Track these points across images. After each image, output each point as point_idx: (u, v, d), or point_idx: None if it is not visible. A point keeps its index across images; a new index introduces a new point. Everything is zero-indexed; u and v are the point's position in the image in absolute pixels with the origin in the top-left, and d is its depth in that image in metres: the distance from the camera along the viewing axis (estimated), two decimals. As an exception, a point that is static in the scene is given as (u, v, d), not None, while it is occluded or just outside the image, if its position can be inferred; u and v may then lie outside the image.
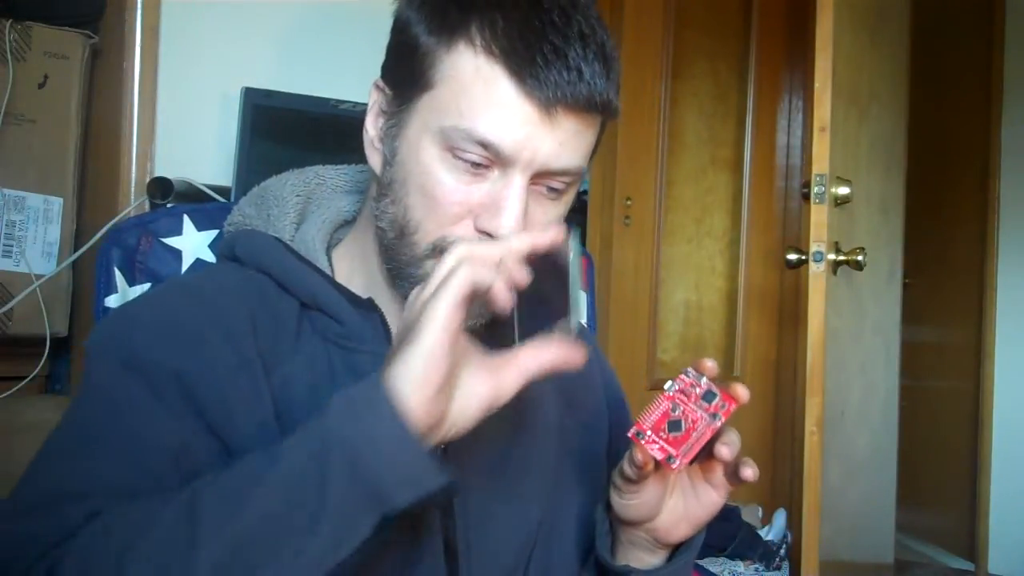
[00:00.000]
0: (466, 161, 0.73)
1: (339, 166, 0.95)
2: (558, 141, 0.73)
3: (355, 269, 0.84)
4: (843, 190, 1.81)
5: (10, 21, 1.46)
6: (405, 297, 0.76)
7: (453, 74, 0.72)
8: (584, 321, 1.30)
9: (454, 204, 0.74)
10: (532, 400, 0.86)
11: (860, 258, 1.82)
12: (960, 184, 3.25)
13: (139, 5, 1.49)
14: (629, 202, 2.55)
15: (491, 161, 0.73)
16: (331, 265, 0.85)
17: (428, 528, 0.76)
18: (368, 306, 0.80)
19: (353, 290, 0.82)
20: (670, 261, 2.72)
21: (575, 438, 0.90)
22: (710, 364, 0.77)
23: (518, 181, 0.73)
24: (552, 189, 0.76)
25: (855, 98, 1.93)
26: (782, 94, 2.97)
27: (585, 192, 2.77)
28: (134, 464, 0.68)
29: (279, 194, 0.89)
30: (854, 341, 2.01)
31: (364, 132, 0.80)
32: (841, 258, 1.81)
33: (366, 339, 0.79)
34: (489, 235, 0.74)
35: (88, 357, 0.75)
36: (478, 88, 0.71)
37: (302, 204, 0.89)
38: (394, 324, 0.81)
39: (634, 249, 2.57)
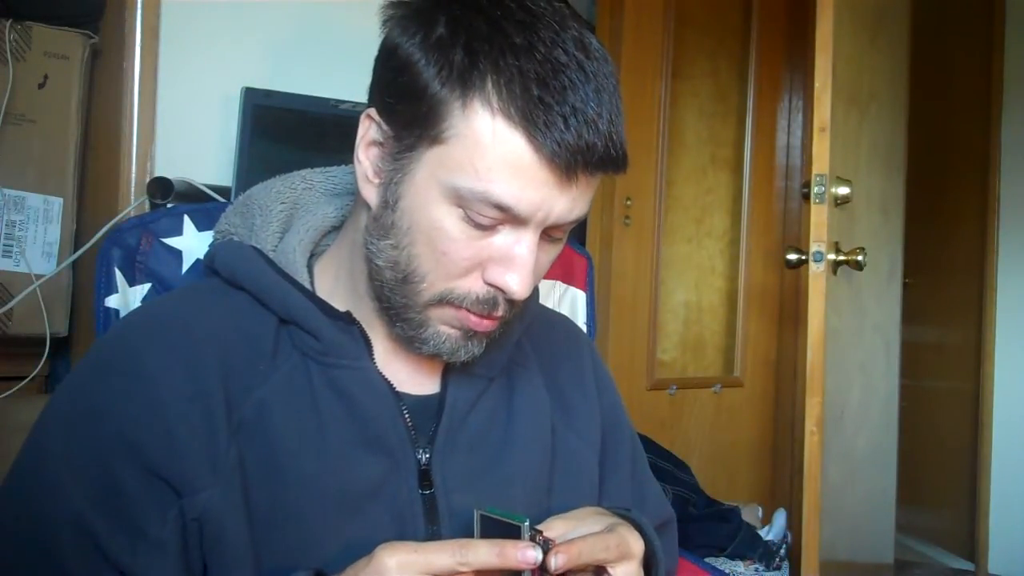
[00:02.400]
0: (478, 222, 0.72)
1: (327, 168, 0.93)
2: (572, 198, 0.72)
3: (340, 279, 0.83)
4: (843, 190, 1.81)
5: (10, 21, 1.46)
6: (403, 336, 0.78)
7: (468, 133, 0.70)
8: (584, 321, 1.30)
9: (464, 259, 0.73)
10: (524, 406, 0.86)
11: (860, 258, 1.82)
12: (960, 184, 3.25)
13: (139, 5, 1.49)
14: (629, 202, 2.55)
15: (504, 220, 0.72)
16: (311, 277, 0.84)
17: (415, 535, 0.76)
18: (346, 319, 0.79)
19: (337, 302, 0.81)
20: (670, 261, 2.72)
21: (568, 444, 0.89)
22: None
23: (529, 239, 0.73)
24: (555, 235, 0.76)
25: (855, 98, 1.93)
26: (782, 94, 2.97)
27: (585, 192, 2.77)
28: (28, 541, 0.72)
29: (263, 202, 0.88)
30: (854, 341, 2.01)
31: (356, 162, 0.78)
32: (841, 258, 1.81)
33: (345, 353, 0.78)
34: (498, 288, 0.74)
35: (57, 400, 0.77)
36: (495, 152, 0.70)
37: (287, 212, 0.88)
38: (375, 337, 0.81)
39: (634, 249, 2.57)
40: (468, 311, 0.76)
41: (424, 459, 0.79)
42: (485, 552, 0.66)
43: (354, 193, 0.85)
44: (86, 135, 1.55)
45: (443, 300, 0.75)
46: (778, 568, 2.37)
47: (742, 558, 2.33)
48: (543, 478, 0.86)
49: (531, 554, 0.66)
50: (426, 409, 0.82)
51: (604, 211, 2.54)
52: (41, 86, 1.49)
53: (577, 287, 1.31)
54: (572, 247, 1.32)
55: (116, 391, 0.74)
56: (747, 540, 2.37)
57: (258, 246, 0.84)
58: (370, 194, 0.77)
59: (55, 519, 0.71)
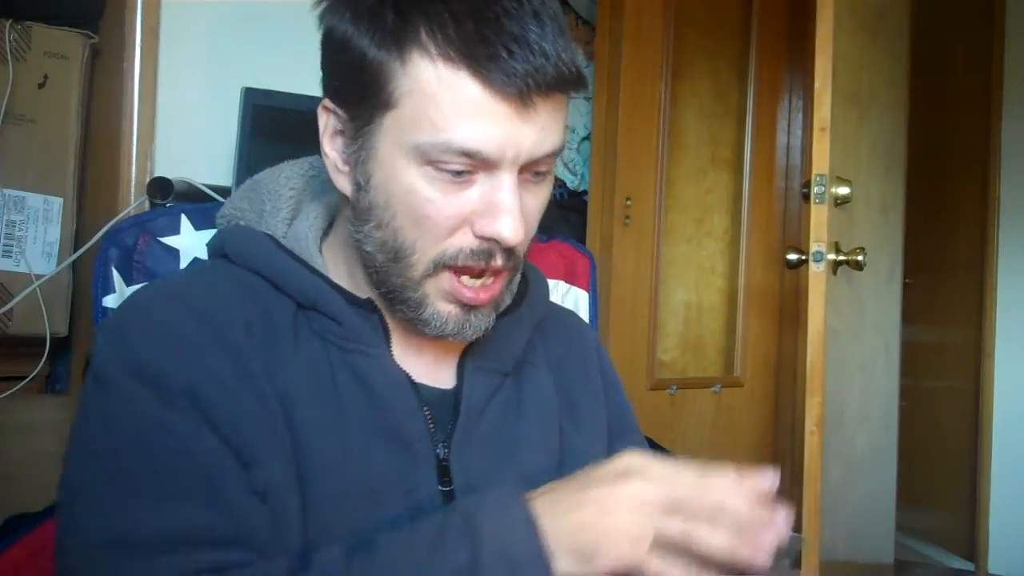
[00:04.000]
0: (449, 172, 0.70)
1: None
2: (538, 129, 0.71)
3: (348, 268, 0.81)
4: (843, 190, 1.81)
5: (10, 21, 1.46)
6: (405, 318, 0.77)
7: (415, 87, 0.69)
8: (586, 319, 1.30)
9: (448, 218, 0.72)
10: (533, 405, 0.85)
11: (860, 258, 1.82)
12: (960, 184, 3.25)
13: (139, 5, 1.49)
14: (629, 202, 2.55)
15: (475, 166, 0.71)
16: (324, 263, 0.82)
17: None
18: (367, 307, 0.78)
19: (348, 288, 0.80)
20: (670, 261, 2.72)
21: (574, 445, 0.88)
22: None
23: (507, 180, 0.71)
24: (537, 173, 0.74)
25: (855, 98, 1.93)
26: (782, 94, 2.97)
27: (585, 192, 2.78)
28: (208, 500, 0.67)
29: (273, 188, 0.86)
30: (854, 341, 2.00)
31: (323, 156, 0.77)
32: (841, 258, 1.81)
33: (365, 340, 0.77)
34: (492, 240, 0.72)
35: (98, 379, 0.72)
36: (446, 98, 0.68)
37: (296, 198, 0.86)
38: (393, 329, 0.79)
39: (634, 249, 2.57)
40: (463, 285, 0.74)
41: (443, 454, 0.77)
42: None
43: None
44: (86, 135, 1.55)
45: (437, 266, 0.73)
46: (778, 568, 2.37)
47: (742, 558, 2.33)
48: (550, 479, 0.84)
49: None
50: (442, 403, 0.80)
51: (604, 211, 2.54)
52: (41, 86, 1.49)
53: (580, 287, 1.31)
54: (575, 247, 1.32)
55: (164, 352, 0.70)
56: (747, 540, 2.36)
57: (269, 231, 0.83)
58: (344, 184, 0.76)
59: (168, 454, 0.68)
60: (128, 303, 0.77)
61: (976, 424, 3.11)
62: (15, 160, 1.48)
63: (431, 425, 0.78)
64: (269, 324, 0.75)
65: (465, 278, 0.75)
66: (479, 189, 0.72)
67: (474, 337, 0.78)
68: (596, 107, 2.67)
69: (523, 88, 0.68)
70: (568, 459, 0.86)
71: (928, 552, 3.26)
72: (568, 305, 1.29)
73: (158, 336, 0.71)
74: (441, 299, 0.75)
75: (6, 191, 1.47)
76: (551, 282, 1.26)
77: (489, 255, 0.74)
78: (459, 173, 0.70)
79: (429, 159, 0.70)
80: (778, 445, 2.93)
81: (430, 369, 0.81)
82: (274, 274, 0.78)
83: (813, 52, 1.74)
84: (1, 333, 1.47)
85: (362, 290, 0.79)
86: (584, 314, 1.30)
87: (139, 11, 1.49)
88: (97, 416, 0.71)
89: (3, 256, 1.47)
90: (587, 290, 1.30)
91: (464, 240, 0.73)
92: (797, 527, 2.15)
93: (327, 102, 0.75)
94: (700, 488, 0.65)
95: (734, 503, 0.65)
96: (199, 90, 1.55)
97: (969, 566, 3.12)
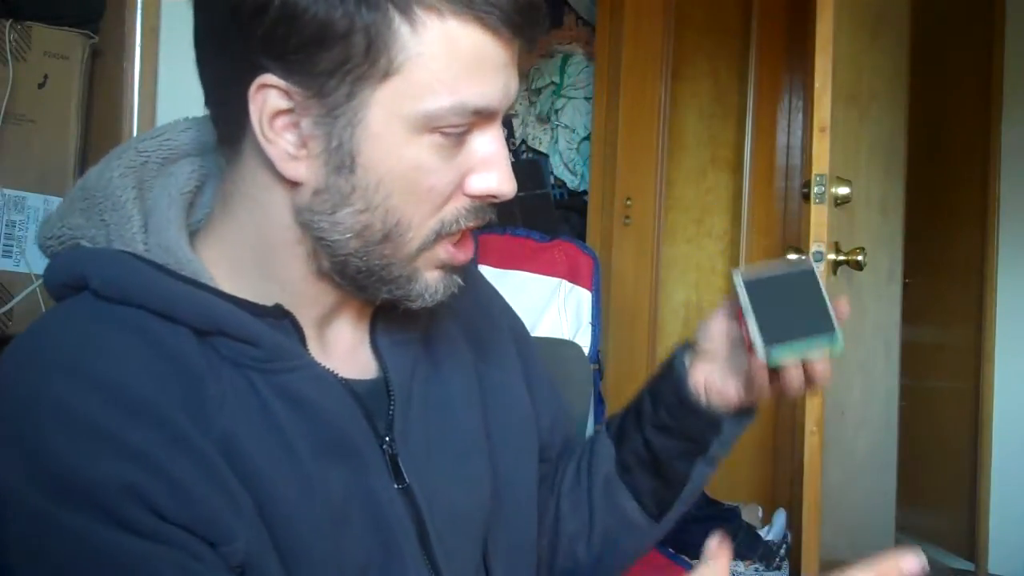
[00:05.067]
0: (455, 135, 0.65)
1: (154, 132, 0.77)
2: (514, 69, 0.67)
3: (242, 268, 0.70)
4: (843, 190, 1.81)
5: (10, 21, 1.46)
6: (391, 296, 0.70)
7: (423, 49, 0.62)
8: (588, 320, 1.30)
9: (448, 184, 0.66)
10: (446, 357, 0.80)
11: (860, 258, 1.82)
12: (960, 184, 3.25)
13: (139, 5, 1.49)
14: (629, 202, 2.55)
15: (476, 122, 0.66)
16: (205, 268, 0.70)
17: (405, 539, 0.71)
18: (277, 314, 0.69)
19: (246, 293, 0.69)
20: (670, 261, 2.72)
21: (492, 379, 0.84)
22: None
23: (497, 131, 0.68)
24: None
25: (855, 98, 1.93)
26: (782, 94, 2.97)
27: (585, 192, 2.78)
28: None
29: (109, 192, 0.71)
30: (854, 341, 2.00)
31: (264, 143, 0.64)
32: (841, 258, 1.81)
33: (287, 354, 0.68)
34: (486, 196, 0.68)
35: (5, 504, 0.60)
36: (456, 56, 0.62)
37: (139, 198, 0.71)
38: (306, 324, 0.71)
39: (634, 249, 2.57)
40: (457, 249, 0.70)
41: (389, 450, 0.72)
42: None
43: (197, 153, 0.74)
44: (86, 135, 1.55)
45: (438, 236, 0.68)
46: (778, 568, 2.37)
47: (742, 558, 2.33)
48: (480, 428, 0.80)
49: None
50: (374, 394, 0.74)
51: (604, 211, 2.54)
52: (41, 86, 1.49)
53: (583, 286, 1.31)
54: (579, 246, 1.32)
55: (82, 450, 0.59)
56: (747, 540, 2.37)
57: (125, 247, 0.69)
58: (300, 170, 0.65)
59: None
60: (13, 387, 0.62)
61: (976, 424, 3.11)
62: (15, 160, 1.48)
63: (371, 422, 0.72)
64: (177, 367, 0.64)
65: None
66: (471, 145, 0.67)
67: (445, 296, 0.72)
68: (596, 107, 2.67)
69: (516, 29, 0.64)
70: (490, 398, 0.82)
71: (928, 552, 3.26)
72: (570, 304, 1.29)
73: (68, 430, 0.59)
74: (430, 268, 0.70)
75: (6, 191, 1.47)
76: (554, 281, 1.26)
77: (484, 211, 0.70)
78: (462, 134, 0.65)
79: (436, 125, 0.64)
80: (778, 445, 2.93)
81: (349, 357, 0.74)
82: (163, 305, 0.65)
83: (813, 52, 1.74)
84: (1, 333, 1.47)
85: (256, 289, 0.69)
86: (586, 313, 1.30)
87: (139, 11, 1.49)
88: (21, 556, 0.59)
89: (3, 256, 1.47)
90: (590, 289, 1.30)
91: (458, 203, 0.68)
92: (797, 527, 2.15)
93: (268, 79, 0.62)
94: None
95: None
96: (199, 90, 1.55)
97: (969, 566, 3.12)
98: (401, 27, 0.61)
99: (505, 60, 0.65)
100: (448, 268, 0.71)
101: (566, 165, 2.90)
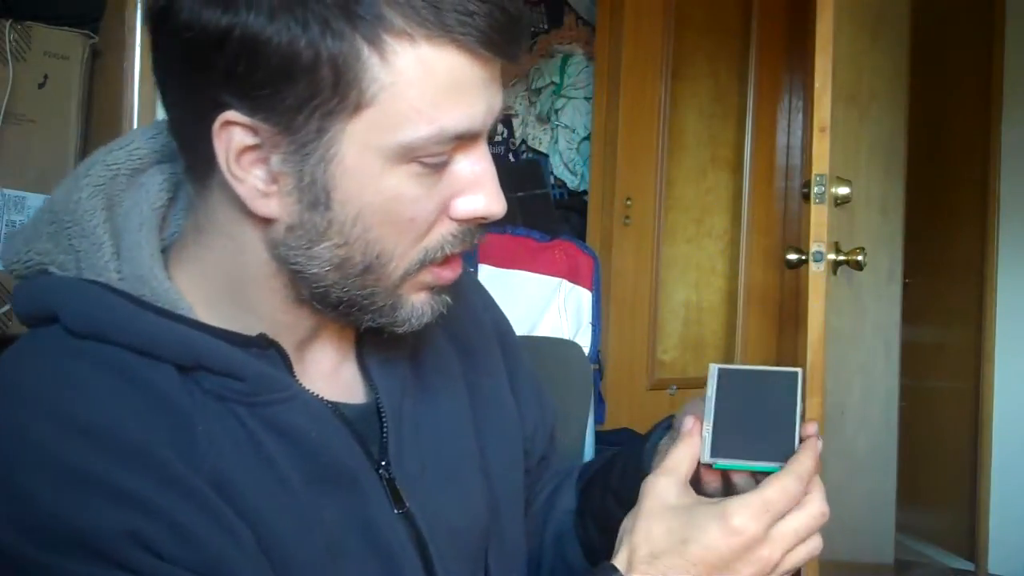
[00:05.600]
0: (436, 163, 0.62)
1: (122, 141, 0.73)
2: (499, 84, 0.64)
3: (218, 297, 0.67)
4: (843, 190, 1.81)
5: (10, 21, 1.46)
6: (374, 324, 0.68)
7: (396, 78, 0.59)
8: (588, 320, 1.30)
9: (431, 213, 0.64)
10: (433, 369, 0.79)
11: (860, 258, 1.82)
12: (960, 184, 3.25)
13: (139, 5, 1.49)
14: (629, 202, 2.55)
15: (458, 147, 0.63)
16: (182, 297, 0.67)
17: (407, 554, 0.70)
18: (261, 344, 0.67)
19: (224, 323, 0.66)
20: (670, 261, 2.72)
21: (482, 388, 0.82)
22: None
23: (484, 150, 0.65)
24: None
25: (855, 98, 1.93)
26: (782, 94, 2.97)
27: (585, 192, 2.78)
28: None
29: (78, 216, 0.67)
30: (854, 341, 2.00)
31: (232, 182, 0.61)
32: (841, 258, 1.81)
33: (273, 385, 0.65)
34: (477, 220, 0.66)
35: None
36: (433, 82, 0.59)
37: (109, 221, 0.67)
38: (288, 349, 0.68)
39: (634, 249, 2.57)
40: (442, 269, 0.67)
41: (386, 475, 0.71)
42: (810, 460, 0.67)
43: (168, 159, 0.71)
44: (86, 135, 1.56)
45: (422, 264, 0.65)
46: (778, 568, 2.37)
47: (742, 558, 2.33)
48: (472, 439, 0.79)
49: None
50: (365, 417, 0.72)
51: (604, 211, 2.54)
52: (41, 86, 1.49)
53: (583, 286, 1.31)
54: (579, 246, 1.32)
55: (75, 499, 0.56)
56: (747, 540, 2.36)
57: (96, 278, 0.65)
58: (272, 207, 0.62)
59: None
60: None
61: (976, 424, 3.11)
62: (15, 160, 1.48)
63: (365, 448, 0.70)
64: (162, 406, 0.61)
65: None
66: (455, 168, 0.64)
67: (434, 317, 0.70)
68: (596, 107, 2.67)
69: (495, 49, 0.61)
70: (481, 411, 0.81)
71: (928, 552, 3.26)
72: (571, 304, 1.29)
73: (58, 480, 0.57)
74: (415, 291, 0.67)
75: (6, 191, 1.47)
76: (554, 280, 1.26)
77: (472, 234, 0.67)
78: (444, 161, 0.63)
79: (415, 155, 0.61)
80: (778, 445, 2.93)
81: (336, 378, 0.73)
82: (142, 343, 0.62)
83: (813, 52, 1.74)
84: (1, 333, 1.46)
85: (235, 317, 0.67)
86: (587, 313, 1.30)
87: (139, 11, 1.49)
88: None
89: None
90: (590, 289, 1.30)
91: (444, 229, 0.65)
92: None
93: (232, 115, 0.59)
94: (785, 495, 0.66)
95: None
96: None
97: (969, 566, 3.12)
98: (371, 58, 0.58)
99: (486, 79, 0.62)
100: (435, 289, 0.68)
101: (566, 165, 2.90)
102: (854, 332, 2.01)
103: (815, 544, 0.67)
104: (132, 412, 0.60)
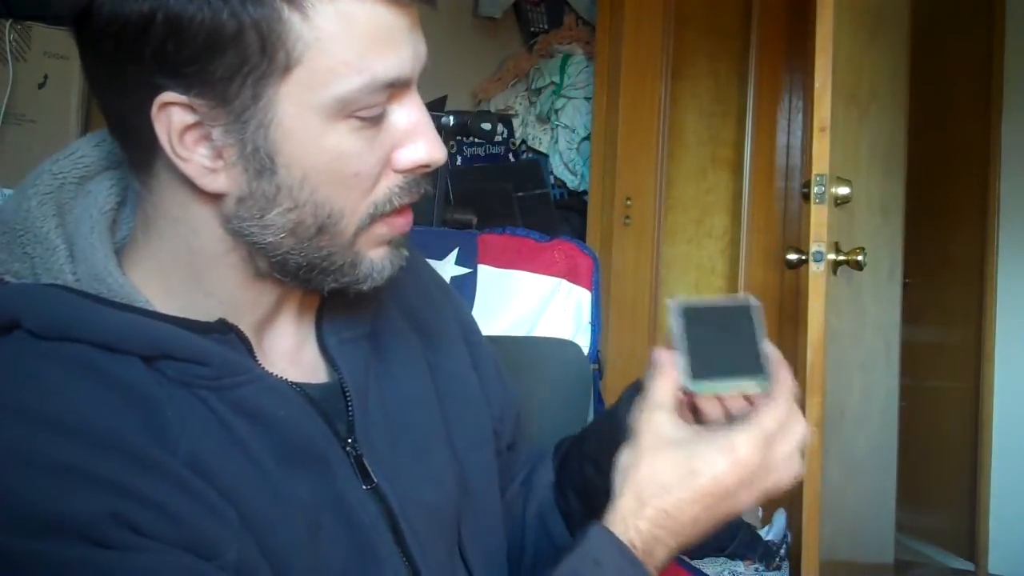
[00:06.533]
0: (372, 115, 0.64)
1: (68, 150, 0.75)
2: (420, 31, 0.66)
3: (174, 284, 0.69)
4: (843, 190, 1.81)
5: (10, 21, 1.46)
6: (337, 285, 0.69)
7: (319, 35, 0.60)
8: (588, 320, 1.30)
9: (374, 166, 0.66)
10: (394, 341, 0.80)
11: (860, 258, 1.82)
12: (960, 184, 3.25)
13: (139, 5, 1.49)
14: (629, 202, 2.55)
15: (391, 96, 0.65)
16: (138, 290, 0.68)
17: (378, 529, 0.71)
18: (221, 328, 0.68)
19: (183, 311, 0.68)
20: (670, 261, 2.72)
21: (445, 371, 0.84)
22: None
23: (416, 98, 0.66)
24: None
25: (855, 98, 1.93)
26: (782, 94, 2.97)
27: (585, 192, 2.78)
28: None
29: (29, 223, 0.68)
30: (854, 341, 2.00)
31: (178, 163, 0.63)
32: (841, 258, 1.81)
33: (236, 368, 0.67)
34: (419, 167, 0.67)
35: None
36: (357, 32, 0.61)
37: (60, 224, 0.69)
38: (248, 332, 0.69)
39: (634, 249, 2.57)
40: (395, 218, 0.69)
41: (354, 452, 0.72)
42: (788, 381, 0.72)
43: (114, 166, 0.73)
44: (86, 135, 1.56)
45: (372, 218, 0.67)
46: (778, 568, 2.37)
47: (742, 558, 2.33)
48: (436, 420, 0.80)
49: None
50: (329, 396, 0.73)
51: (604, 211, 2.54)
52: (41, 86, 1.49)
53: (582, 286, 1.31)
54: (578, 246, 1.32)
55: (55, 486, 0.57)
56: (747, 540, 2.37)
57: (54, 280, 0.66)
58: (220, 182, 0.64)
59: None
60: None
61: (976, 424, 3.11)
62: (15, 160, 1.48)
63: (332, 425, 0.71)
64: (132, 397, 0.62)
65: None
66: (391, 120, 0.66)
67: (394, 272, 0.71)
68: (596, 107, 2.68)
69: None
70: (444, 388, 0.82)
71: (928, 552, 3.26)
72: (570, 304, 1.29)
73: (36, 473, 0.57)
74: (372, 247, 0.69)
75: (6, 191, 1.47)
76: (554, 280, 1.26)
77: (418, 184, 0.69)
78: (380, 112, 0.64)
79: (351, 108, 0.63)
80: (778, 445, 2.93)
81: (297, 360, 0.74)
82: (106, 337, 0.63)
83: (813, 52, 1.74)
84: (1, 333, 1.47)
85: (194, 304, 0.68)
86: (587, 314, 1.30)
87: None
88: None
89: (3, 256, 1.48)
90: (590, 289, 1.30)
91: (390, 181, 0.67)
92: (797, 527, 2.15)
93: (168, 96, 0.61)
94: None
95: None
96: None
97: (969, 566, 3.12)
98: (292, 16, 0.60)
99: (408, 24, 0.64)
100: (392, 243, 0.70)
101: (566, 165, 2.90)
102: (854, 332, 2.01)
103: (800, 465, 0.72)
104: (103, 404, 0.61)
